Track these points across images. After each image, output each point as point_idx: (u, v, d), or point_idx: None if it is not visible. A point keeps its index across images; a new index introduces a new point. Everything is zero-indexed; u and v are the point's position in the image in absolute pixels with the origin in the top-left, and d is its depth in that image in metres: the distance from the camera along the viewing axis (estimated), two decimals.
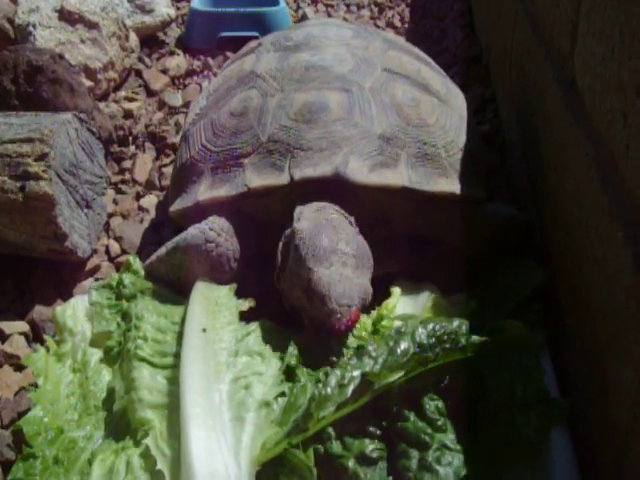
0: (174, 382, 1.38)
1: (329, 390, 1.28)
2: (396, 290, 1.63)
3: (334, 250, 1.47)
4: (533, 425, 1.27)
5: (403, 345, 1.34)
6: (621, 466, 1.09)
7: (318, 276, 1.43)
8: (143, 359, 1.42)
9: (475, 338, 1.36)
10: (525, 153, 1.98)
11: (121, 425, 1.38)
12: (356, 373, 1.30)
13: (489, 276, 1.65)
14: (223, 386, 1.34)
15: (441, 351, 1.33)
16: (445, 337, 1.35)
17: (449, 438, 1.26)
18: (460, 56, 3.17)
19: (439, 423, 1.28)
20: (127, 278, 1.69)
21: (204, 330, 1.45)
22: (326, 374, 1.33)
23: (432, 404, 1.30)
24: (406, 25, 3.68)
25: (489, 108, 2.66)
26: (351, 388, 1.28)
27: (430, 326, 1.37)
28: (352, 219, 1.63)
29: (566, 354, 1.44)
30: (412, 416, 1.29)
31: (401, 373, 1.30)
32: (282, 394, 1.35)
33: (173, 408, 1.33)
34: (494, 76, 2.76)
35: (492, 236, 1.73)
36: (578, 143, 1.35)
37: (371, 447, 1.26)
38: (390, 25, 3.66)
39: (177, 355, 1.44)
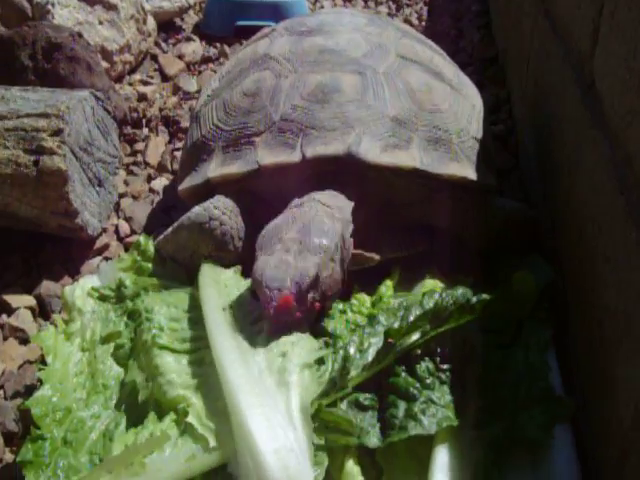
0: (201, 364, 1.40)
1: (351, 354, 1.37)
2: (396, 269, 1.66)
3: (280, 238, 1.48)
4: (537, 423, 1.26)
5: (415, 312, 1.40)
6: (624, 464, 1.09)
7: (257, 262, 1.45)
8: (163, 347, 1.43)
9: (484, 296, 1.40)
10: (539, 154, 1.98)
11: (138, 414, 1.38)
12: (373, 340, 1.39)
13: (497, 272, 1.65)
14: (258, 357, 1.35)
15: (456, 307, 1.37)
16: (453, 301, 1.39)
17: (436, 395, 1.31)
18: (476, 56, 3.17)
19: (428, 381, 1.33)
20: (128, 278, 1.68)
21: (224, 309, 1.47)
22: (347, 342, 1.40)
23: (423, 365, 1.35)
24: (423, 24, 3.68)
25: (503, 109, 2.66)
26: (371, 352, 1.37)
27: (436, 295, 1.42)
28: (347, 206, 1.62)
29: (572, 352, 1.45)
30: (403, 373, 1.35)
31: (418, 335, 1.36)
32: (321, 360, 1.38)
33: (208, 387, 1.33)
34: (510, 77, 2.76)
35: (501, 228, 1.74)
36: (595, 144, 1.36)
37: (363, 396, 1.33)
38: (407, 23, 3.66)
39: (196, 339, 1.45)
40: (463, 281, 1.53)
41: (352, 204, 1.64)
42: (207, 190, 1.78)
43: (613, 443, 1.16)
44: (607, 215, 1.25)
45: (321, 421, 1.27)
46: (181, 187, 1.89)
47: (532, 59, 2.21)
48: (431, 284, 1.60)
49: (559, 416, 1.29)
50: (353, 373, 1.33)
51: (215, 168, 1.79)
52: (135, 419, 1.38)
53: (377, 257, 1.67)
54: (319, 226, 1.52)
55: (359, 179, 1.70)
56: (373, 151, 1.67)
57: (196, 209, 1.70)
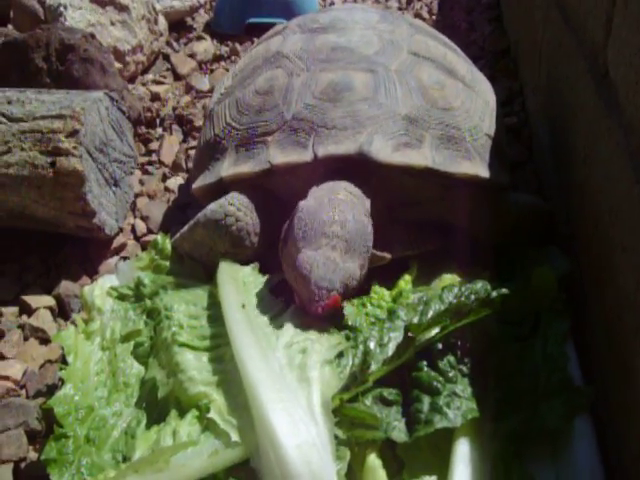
0: (221, 361, 1.41)
1: (371, 348, 1.38)
2: (414, 264, 1.67)
3: (325, 232, 1.49)
4: (557, 413, 1.27)
5: (435, 307, 1.41)
6: None
7: (303, 256, 1.46)
8: (183, 344, 1.45)
9: (504, 290, 1.40)
10: (553, 145, 1.98)
11: (159, 411, 1.40)
12: (393, 334, 1.40)
13: (514, 265, 1.65)
14: (279, 353, 1.37)
15: (476, 301, 1.38)
16: (473, 296, 1.40)
17: (459, 388, 1.32)
18: (488, 49, 3.16)
19: (450, 375, 1.34)
20: (146, 277, 1.69)
21: (243, 306, 1.48)
22: (367, 337, 1.41)
23: (444, 358, 1.36)
24: (434, 17, 3.67)
25: (516, 101, 2.65)
26: (391, 346, 1.38)
27: (455, 289, 1.44)
28: (366, 202, 1.64)
29: (590, 342, 1.45)
30: (425, 367, 1.36)
31: (438, 329, 1.37)
32: (340, 354, 1.39)
33: (228, 383, 1.35)
34: (522, 69, 2.75)
35: (515, 223, 1.74)
36: (610, 133, 1.35)
37: (387, 391, 1.34)
38: (418, 17, 3.65)
39: (216, 336, 1.47)
40: (481, 274, 1.53)
41: (369, 200, 1.65)
42: (220, 189, 1.79)
43: (634, 433, 1.16)
44: (623, 205, 1.25)
45: (344, 417, 1.28)
46: (195, 186, 1.90)
47: (544, 50, 2.20)
48: (449, 278, 1.61)
49: (579, 406, 1.29)
50: (374, 367, 1.34)
51: (228, 167, 1.80)
52: (156, 416, 1.40)
53: (388, 256, 1.67)
54: (362, 225, 1.55)
55: (371, 178, 1.70)
56: (385, 150, 1.67)
57: (212, 206, 1.71)
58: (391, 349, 1.37)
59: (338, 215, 1.53)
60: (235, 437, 1.25)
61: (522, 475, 1.23)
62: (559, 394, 1.30)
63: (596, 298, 1.44)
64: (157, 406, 1.41)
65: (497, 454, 1.25)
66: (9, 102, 2.03)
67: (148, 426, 1.38)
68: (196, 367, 1.40)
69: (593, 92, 1.50)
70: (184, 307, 1.55)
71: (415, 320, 1.40)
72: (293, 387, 1.29)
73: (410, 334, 1.35)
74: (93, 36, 2.53)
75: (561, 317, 1.45)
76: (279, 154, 1.73)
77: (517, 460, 1.25)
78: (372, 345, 1.39)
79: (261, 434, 1.21)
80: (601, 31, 1.47)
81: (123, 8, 3.01)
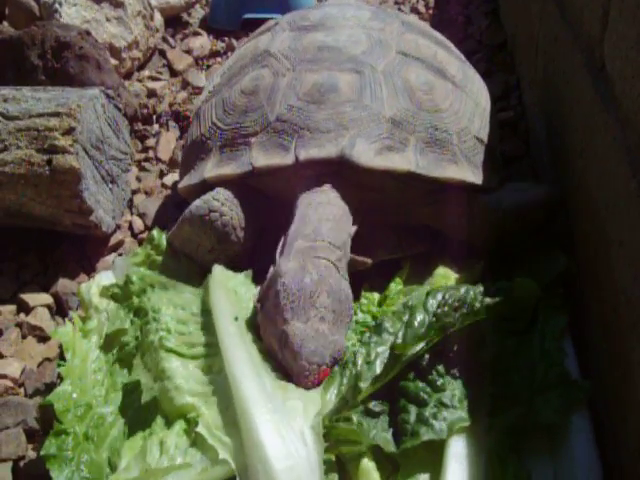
0: (209, 372, 1.40)
1: (359, 367, 1.36)
2: (406, 264, 1.67)
3: (313, 304, 1.43)
4: (553, 407, 1.27)
5: (419, 317, 1.39)
6: None
7: (292, 330, 1.40)
8: (171, 350, 1.43)
9: (488, 300, 1.38)
10: (549, 139, 1.97)
11: (144, 415, 1.39)
12: (380, 349, 1.39)
13: (512, 262, 1.64)
14: (270, 371, 1.36)
15: (460, 316, 1.36)
16: (456, 304, 1.38)
17: (447, 396, 1.31)
18: (485, 43, 3.15)
19: (438, 383, 1.34)
20: (134, 274, 1.68)
21: (236, 319, 1.46)
22: (355, 351, 1.40)
23: (432, 367, 1.35)
24: (430, 11, 3.66)
25: (513, 95, 2.64)
26: (378, 363, 1.36)
27: (439, 296, 1.41)
28: (348, 254, 1.60)
29: (588, 337, 1.45)
30: (413, 377, 1.35)
31: (423, 344, 1.35)
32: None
33: (218, 397, 1.34)
34: (519, 63, 2.75)
35: (504, 225, 1.69)
36: (606, 128, 1.35)
37: (374, 403, 1.33)
38: (414, 11, 3.64)
39: (205, 345, 1.45)
40: (475, 266, 1.52)
41: (350, 213, 1.64)
42: (204, 189, 1.78)
43: (632, 428, 1.16)
44: (620, 198, 1.25)
45: (333, 437, 1.28)
46: (180, 185, 1.91)
47: (541, 44, 2.20)
48: (442, 274, 1.60)
49: (576, 401, 1.29)
50: (363, 387, 1.33)
51: (211, 168, 1.79)
52: (143, 420, 1.38)
53: (369, 261, 1.66)
54: (346, 294, 1.50)
55: (354, 181, 1.69)
56: (367, 154, 1.65)
57: (196, 202, 1.71)
58: (378, 366, 1.36)
59: (324, 284, 1.47)
60: (223, 454, 1.23)
61: (518, 469, 1.22)
62: (556, 388, 1.30)
63: (593, 293, 1.44)
64: (140, 410, 1.40)
65: (492, 449, 1.25)
66: (5, 100, 2.02)
67: (131, 428, 1.38)
68: (183, 375, 1.38)
69: (590, 86, 1.50)
70: (172, 310, 1.53)
71: (400, 335, 1.38)
72: (286, 408, 1.28)
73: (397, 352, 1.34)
74: (88, 33, 2.53)
75: (558, 312, 1.45)
76: (261, 156, 1.72)
77: (513, 454, 1.25)
78: (360, 362, 1.37)
79: (251, 454, 1.20)
80: (597, 24, 1.46)
81: (118, 4, 3.00)
